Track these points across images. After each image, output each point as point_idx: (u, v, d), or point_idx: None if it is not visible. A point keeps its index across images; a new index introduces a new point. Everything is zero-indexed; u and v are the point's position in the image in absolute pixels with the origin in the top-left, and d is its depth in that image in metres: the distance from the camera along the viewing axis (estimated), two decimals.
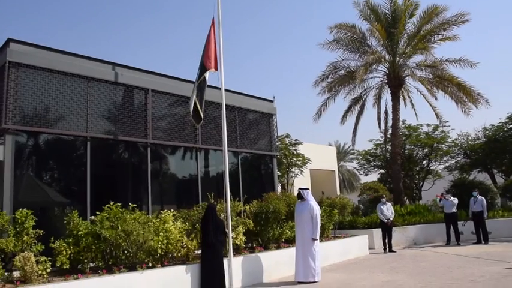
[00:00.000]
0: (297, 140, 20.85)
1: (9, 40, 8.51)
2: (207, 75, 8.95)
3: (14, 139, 8.33)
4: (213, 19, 9.33)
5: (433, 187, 24.09)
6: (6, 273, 6.71)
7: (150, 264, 7.79)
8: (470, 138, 24.92)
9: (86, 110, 9.38)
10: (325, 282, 8.80)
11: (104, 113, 9.80)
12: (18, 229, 7.03)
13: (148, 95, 10.63)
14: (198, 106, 8.95)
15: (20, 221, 7.04)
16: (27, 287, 6.19)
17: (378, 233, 14.35)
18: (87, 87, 9.49)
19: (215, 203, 9.12)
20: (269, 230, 10.43)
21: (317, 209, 9.26)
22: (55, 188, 9.36)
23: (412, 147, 24.48)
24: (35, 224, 7.17)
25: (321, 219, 11.70)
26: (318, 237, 9.15)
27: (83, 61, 9.64)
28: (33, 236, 7.11)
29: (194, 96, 8.90)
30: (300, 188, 9.76)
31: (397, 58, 19.25)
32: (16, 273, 6.71)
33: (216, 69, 9.07)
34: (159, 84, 10.98)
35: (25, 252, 6.69)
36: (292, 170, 21.36)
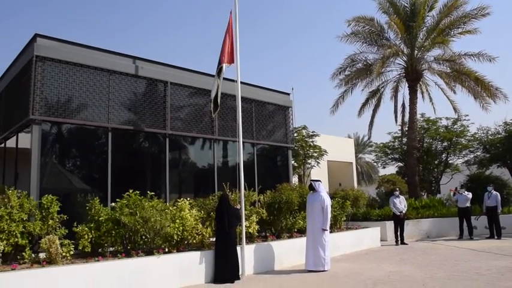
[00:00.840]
0: (314, 131, 21.08)
1: (36, 35, 8.96)
2: (223, 68, 9.31)
3: (40, 129, 8.79)
4: (231, 13, 9.64)
5: (451, 181, 23.99)
6: (33, 254, 7.21)
7: (167, 250, 8.21)
8: (490, 132, 24.59)
9: (107, 101, 9.79)
10: (334, 271, 9.11)
11: (124, 104, 10.21)
12: (44, 214, 7.54)
13: (167, 87, 11.00)
14: (218, 97, 9.37)
15: (45, 206, 7.54)
16: (53, 267, 6.67)
17: (390, 225, 14.53)
18: (109, 80, 9.89)
19: (228, 192, 9.50)
20: (282, 220, 10.74)
21: (328, 201, 9.53)
22: (78, 176, 9.86)
23: (431, 140, 24.36)
24: (59, 209, 7.66)
25: (334, 211, 12.04)
26: (328, 228, 9.43)
27: (105, 55, 10.05)
28: (57, 220, 7.59)
29: (215, 88, 9.32)
30: (311, 180, 10.05)
31: (415, 52, 19.22)
32: (42, 255, 7.19)
33: (231, 62, 9.40)
34: (177, 77, 11.32)
35: (50, 235, 7.17)
36: (309, 161, 21.60)
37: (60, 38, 9.38)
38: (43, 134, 8.87)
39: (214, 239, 8.75)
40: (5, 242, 6.91)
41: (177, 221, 8.43)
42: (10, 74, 10.53)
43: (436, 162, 24.78)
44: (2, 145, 11.10)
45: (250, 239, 9.83)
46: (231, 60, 9.45)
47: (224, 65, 9.28)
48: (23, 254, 7.06)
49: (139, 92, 10.58)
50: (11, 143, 10.52)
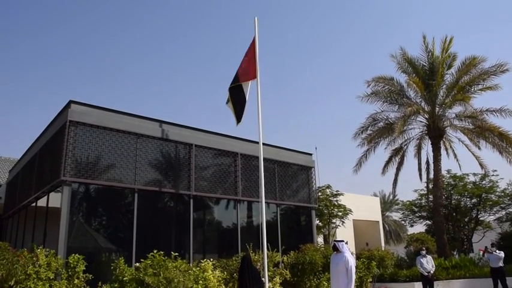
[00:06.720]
0: (338, 191, 20.97)
1: (70, 102, 9.54)
2: (246, 87, 9.91)
3: (70, 189, 9.12)
4: (254, 38, 10.16)
5: (483, 239, 23.17)
6: None
7: None
8: None
9: (134, 163, 10.15)
10: None
11: (150, 166, 10.55)
12: (70, 273, 7.72)
13: (192, 149, 11.34)
14: (235, 110, 9.92)
15: (72, 265, 7.73)
16: None
17: (419, 286, 13.98)
18: (136, 143, 10.32)
19: (250, 253, 9.48)
20: (306, 281, 10.58)
21: (352, 262, 9.33)
22: (104, 235, 10.06)
23: (459, 197, 23.82)
24: (85, 268, 7.82)
25: (359, 272, 11.77)
26: None
27: (133, 119, 10.54)
28: (83, 279, 7.74)
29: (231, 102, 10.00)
30: (335, 240, 9.93)
31: (436, 109, 19.35)
32: None
33: (253, 78, 9.93)
34: (202, 139, 11.70)
35: None
36: (334, 221, 21.32)
37: (91, 104, 9.92)
38: (72, 194, 9.18)
39: None
40: None
41: (200, 282, 8.45)
42: (45, 137, 11.11)
43: (466, 219, 24.08)
44: (34, 204, 11.50)
45: None
46: (254, 76, 9.90)
47: (249, 82, 9.89)
48: None
49: (165, 154, 10.95)
50: (41, 202, 10.91)
